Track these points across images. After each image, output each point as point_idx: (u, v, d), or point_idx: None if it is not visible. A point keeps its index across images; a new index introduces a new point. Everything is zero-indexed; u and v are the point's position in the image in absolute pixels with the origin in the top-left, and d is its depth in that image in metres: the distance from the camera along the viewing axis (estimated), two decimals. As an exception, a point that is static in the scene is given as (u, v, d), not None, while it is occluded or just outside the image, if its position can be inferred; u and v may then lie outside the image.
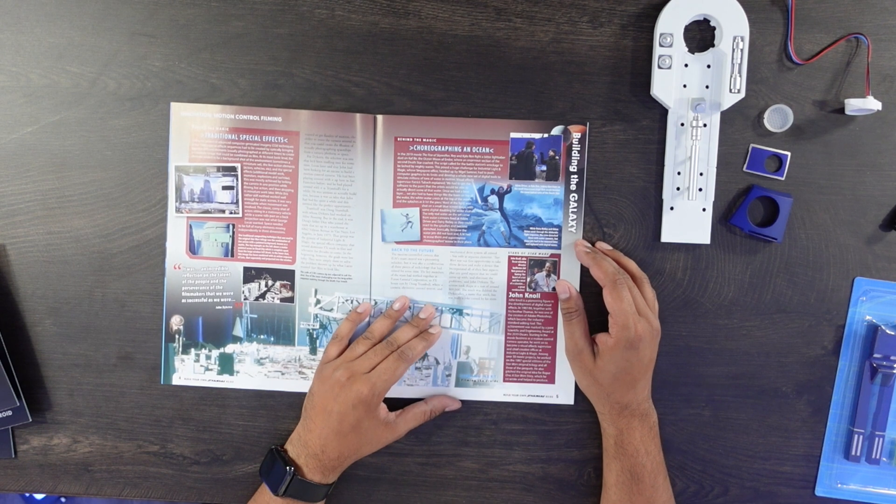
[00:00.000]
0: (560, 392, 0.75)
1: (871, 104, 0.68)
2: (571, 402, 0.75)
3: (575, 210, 0.73)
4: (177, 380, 0.75)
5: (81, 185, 0.74)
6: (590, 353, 0.69)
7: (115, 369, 0.75)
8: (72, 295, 0.75)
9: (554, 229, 0.73)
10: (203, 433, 0.76)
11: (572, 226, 0.73)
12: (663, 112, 0.72)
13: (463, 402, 0.75)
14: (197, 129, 0.73)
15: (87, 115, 0.73)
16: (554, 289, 0.73)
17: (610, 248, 0.72)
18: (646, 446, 0.69)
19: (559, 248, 0.73)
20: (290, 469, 0.69)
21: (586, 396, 0.73)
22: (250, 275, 0.74)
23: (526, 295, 0.74)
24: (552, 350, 0.75)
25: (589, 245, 0.72)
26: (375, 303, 0.74)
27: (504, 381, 0.75)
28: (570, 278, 0.73)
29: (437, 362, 0.74)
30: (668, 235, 0.73)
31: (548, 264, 0.73)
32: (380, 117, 0.72)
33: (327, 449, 0.69)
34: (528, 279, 0.73)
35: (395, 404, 0.73)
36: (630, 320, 0.65)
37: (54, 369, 0.75)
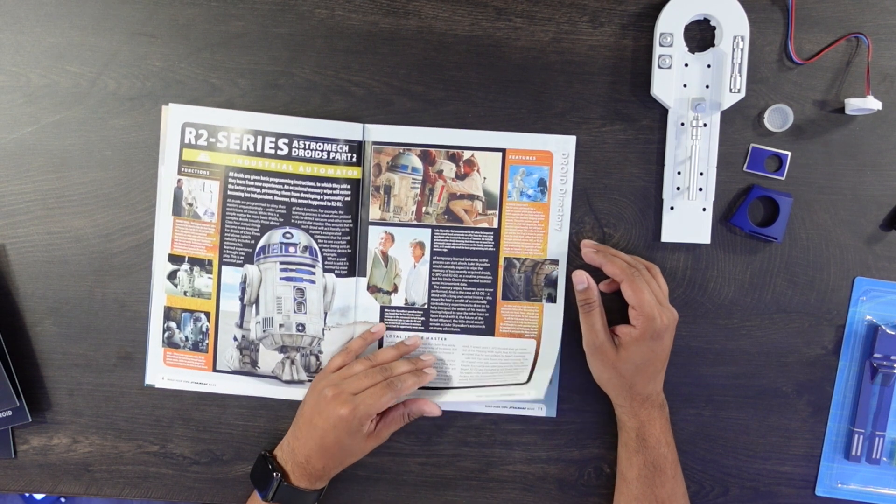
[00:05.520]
0: (544, 405, 0.74)
1: (872, 104, 0.68)
2: (554, 414, 0.74)
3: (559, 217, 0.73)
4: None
5: (81, 185, 0.74)
6: (612, 345, 0.68)
7: (115, 369, 0.75)
8: (72, 295, 0.75)
9: None
10: (203, 433, 0.76)
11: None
12: (663, 112, 0.72)
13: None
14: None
15: (87, 115, 0.73)
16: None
17: (600, 245, 0.72)
18: (666, 437, 0.69)
19: None
20: (278, 475, 0.69)
21: (604, 391, 0.71)
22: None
23: (501, 298, 0.73)
24: (535, 352, 0.74)
25: (595, 244, 0.72)
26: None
27: (487, 386, 0.74)
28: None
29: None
30: (668, 235, 0.73)
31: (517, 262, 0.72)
32: (369, 126, 0.72)
33: (312, 460, 0.69)
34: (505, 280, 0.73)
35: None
36: (655, 311, 0.66)
37: (54, 369, 0.75)
